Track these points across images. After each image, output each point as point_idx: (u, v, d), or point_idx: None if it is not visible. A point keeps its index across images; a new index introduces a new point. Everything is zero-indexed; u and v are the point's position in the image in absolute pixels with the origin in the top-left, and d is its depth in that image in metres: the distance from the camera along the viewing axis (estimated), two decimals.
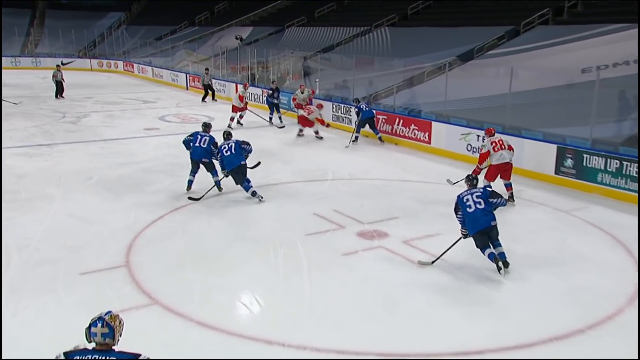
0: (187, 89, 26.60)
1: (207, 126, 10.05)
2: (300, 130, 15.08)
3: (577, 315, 5.83)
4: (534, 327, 5.59)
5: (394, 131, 14.54)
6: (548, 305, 6.07)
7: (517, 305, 6.11)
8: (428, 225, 8.40)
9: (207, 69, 23.25)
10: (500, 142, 9.49)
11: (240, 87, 18.75)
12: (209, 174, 9.67)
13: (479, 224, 6.63)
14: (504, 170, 9.48)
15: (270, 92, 17.61)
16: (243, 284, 6.60)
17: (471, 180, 7.09)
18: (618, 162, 9.83)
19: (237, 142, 9.39)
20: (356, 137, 14.32)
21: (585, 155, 10.32)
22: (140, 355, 3.17)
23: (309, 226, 8.38)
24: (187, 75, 26.96)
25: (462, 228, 6.87)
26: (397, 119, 14.68)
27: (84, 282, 6.53)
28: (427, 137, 13.62)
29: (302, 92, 16.63)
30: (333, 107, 17.21)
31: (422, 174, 11.54)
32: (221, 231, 8.19)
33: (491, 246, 6.65)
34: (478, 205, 6.64)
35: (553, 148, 10.89)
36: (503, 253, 6.67)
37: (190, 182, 9.75)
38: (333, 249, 7.54)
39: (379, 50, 21.89)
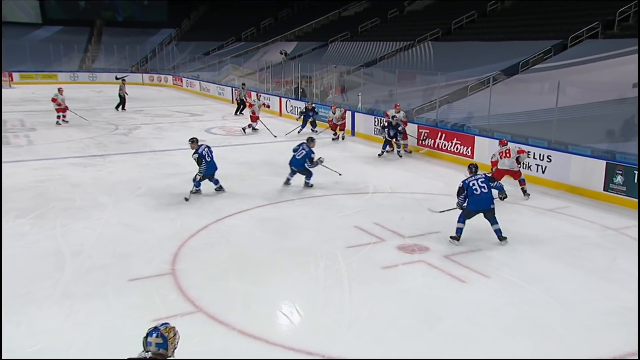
0: (232, 102, 26.98)
1: (311, 140, 11.25)
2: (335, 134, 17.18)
3: (626, 337, 5.64)
4: (579, 347, 5.47)
5: (436, 145, 14.43)
6: (596, 326, 5.89)
7: (562, 325, 5.94)
8: (469, 240, 8.28)
9: (243, 84, 24.10)
10: (507, 152, 10.66)
11: (253, 95, 20.14)
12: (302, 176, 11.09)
13: (482, 205, 8.05)
14: (509, 174, 10.69)
15: (305, 110, 18.33)
16: (284, 294, 6.63)
17: (471, 168, 8.32)
18: None
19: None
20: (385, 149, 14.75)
21: (636, 172, 10.03)
22: None
23: (349, 238, 8.37)
24: (233, 89, 27.40)
25: (461, 203, 8.13)
26: (440, 133, 14.56)
27: (132, 288, 6.68)
28: (469, 151, 13.46)
29: (335, 113, 17.03)
30: (375, 121, 17.09)
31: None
32: (263, 242, 8.25)
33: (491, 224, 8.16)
34: (483, 190, 7.98)
35: (602, 164, 10.64)
36: (499, 229, 8.11)
37: (288, 180, 11.17)
38: (373, 262, 7.51)
39: (422, 65, 21.78)
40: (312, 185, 11.06)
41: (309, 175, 11.06)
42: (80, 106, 24.46)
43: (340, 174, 11.66)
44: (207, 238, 8.41)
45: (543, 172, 11.80)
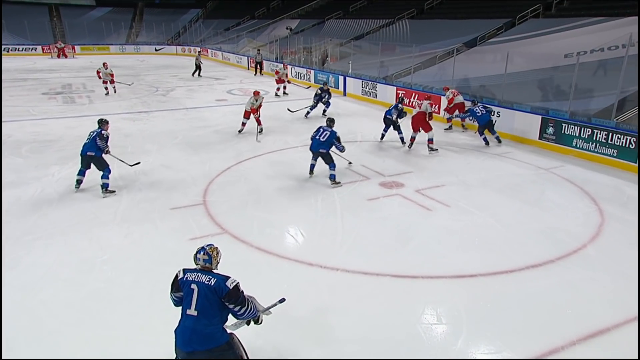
0: (248, 69, 26.44)
1: (331, 121, 8.26)
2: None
3: (550, 249, 5.76)
4: (516, 258, 5.56)
5: (410, 103, 14.22)
6: (527, 242, 5.99)
7: (503, 241, 6.04)
8: (435, 178, 8.30)
9: (258, 50, 23.53)
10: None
11: (280, 66, 18.98)
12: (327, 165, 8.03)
13: (485, 120, 10.35)
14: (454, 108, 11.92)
15: (320, 92, 13.67)
16: (290, 220, 6.68)
17: (473, 101, 10.62)
18: (590, 130, 9.51)
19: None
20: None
21: (563, 124, 9.99)
22: (229, 277, 3.24)
23: (341, 178, 8.37)
24: (249, 58, 26.76)
25: (467, 118, 11.23)
26: (414, 93, 14.34)
27: (174, 215, 6.74)
28: (437, 108, 13.28)
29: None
30: (362, 84, 16.89)
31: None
32: (274, 181, 8.25)
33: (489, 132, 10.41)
34: (483, 111, 10.32)
35: (538, 118, 10.55)
36: (498, 136, 10.43)
37: (312, 166, 8.31)
38: (360, 196, 7.54)
39: (401, 38, 21.20)
40: (339, 183, 7.91)
41: (332, 163, 7.93)
42: (127, 72, 24.14)
43: (350, 162, 9.03)
44: (230, 177, 8.41)
45: (494, 124, 11.70)
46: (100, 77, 17.12)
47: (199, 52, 25.56)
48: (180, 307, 3.22)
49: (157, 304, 4.35)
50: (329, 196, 7.49)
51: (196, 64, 23.18)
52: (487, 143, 10.50)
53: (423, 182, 8.11)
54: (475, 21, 19.28)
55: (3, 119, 12.24)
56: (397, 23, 23.26)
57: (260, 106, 11.41)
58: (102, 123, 7.51)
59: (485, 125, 10.52)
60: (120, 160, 8.14)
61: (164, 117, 13.49)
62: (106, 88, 17.12)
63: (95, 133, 7.35)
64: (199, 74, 22.96)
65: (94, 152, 7.28)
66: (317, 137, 8.01)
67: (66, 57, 32.60)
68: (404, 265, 5.39)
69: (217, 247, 3.40)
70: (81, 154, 7.36)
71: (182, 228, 6.27)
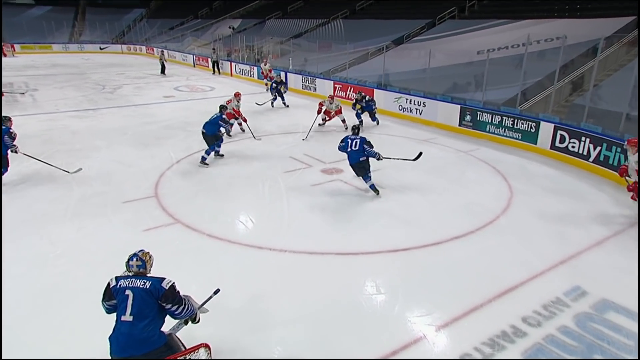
0: (194, 66, 25.50)
1: (357, 129, 7.24)
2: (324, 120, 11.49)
3: (470, 221, 6.05)
4: (441, 231, 5.79)
5: (347, 96, 14.35)
6: (451, 216, 6.26)
7: (430, 216, 6.27)
8: (373, 163, 8.44)
9: (214, 49, 22.82)
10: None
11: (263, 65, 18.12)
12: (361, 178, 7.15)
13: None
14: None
15: (275, 85, 13.85)
16: (240, 208, 6.58)
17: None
18: (499, 117, 10.01)
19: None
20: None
21: (478, 112, 10.46)
22: (165, 278, 3.05)
23: (286, 165, 8.35)
24: (194, 56, 25.78)
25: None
26: (349, 87, 14.46)
27: (126, 208, 6.44)
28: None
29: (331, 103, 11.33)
30: (302, 79, 16.81)
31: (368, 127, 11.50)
32: (223, 171, 8.08)
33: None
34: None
35: (457, 108, 10.95)
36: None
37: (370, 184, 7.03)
38: (304, 182, 7.54)
39: (336, 37, 21.26)
40: (378, 193, 6.85)
41: (367, 175, 6.85)
42: (72, 70, 22.51)
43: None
44: (180, 170, 8.13)
45: (420, 113, 12.03)
46: None
47: (162, 51, 23.95)
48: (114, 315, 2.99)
49: None
50: (275, 183, 7.44)
51: (161, 63, 21.84)
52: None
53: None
54: (401, 21, 19.67)
55: None
56: (332, 23, 23.29)
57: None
58: (6, 121, 6.94)
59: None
60: (57, 167, 7.61)
61: (112, 114, 12.75)
62: None
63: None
64: (163, 72, 21.63)
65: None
66: (350, 148, 6.79)
67: (5, 55, 29.85)
68: (345, 244, 5.47)
69: (149, 252, 3.21)
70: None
71: (136, 220, 6.00)
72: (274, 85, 13.93)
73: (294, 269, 4.96)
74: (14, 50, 31.00)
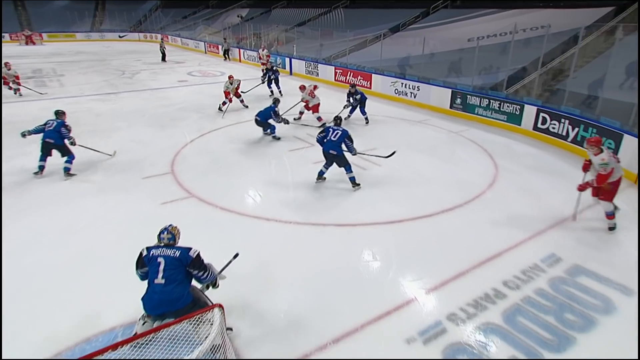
0: (205, 53, 25.09)
1: (339, 119, 6.60)
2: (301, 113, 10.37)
3: (459, 196, 6.03)
4: (433, 204, 5.78)
5: (347, 80, 14.12)
6: (442, 191, 6.23)
7: (423, 192, 6.24)
8: (370, 143, 8.36)
9: (225, 38, 22.36)
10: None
11: (262, 52, 17.66)
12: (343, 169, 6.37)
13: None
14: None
15: (266, 70, 13.18)
16: (248, 183, 6.56)
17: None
18: (487, 100, 9.86)
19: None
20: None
21: (468, 96, 10.29)
22: (191, 248, 3.19)
23: (291, 144, 8.28)
24: (205, 43, 25.35)
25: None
26: (349, 72, 14.23)
27: (145, 183, 6.44)
28: (369, 84, 13.30)
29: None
30: (306, 64, 16.52)
31: (367, 108, 11.29)
32: (233, 150, 8.03)
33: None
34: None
35: (449, 91, 10.79)
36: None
37: (321, 172, 6.48)
38: (306, 159, 7.49)
39: (337, 25, 20.81)
40: (359, 185, 6.27)
41: (348, 165, 6.22)
42: (94, 57, 22.21)
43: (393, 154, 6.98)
44: (194, 148, 8.09)
45: (414, 97, 11.85)
46: (4, 79, 12.49)
47: (162, 38, 23.67)
48: (147, 280, 3.13)
49: None
50: (281, 161, 7.40)
51: (161, 51, 21.52)
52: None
53: (359, 147, 7.94)
54: (398, 10, 19.20)
55: None
56: (333, 11, 22.76)
57: (237, 87, 10.95)
58: (60, 114, 6.65)
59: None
60: (97, 151, 7.43)
61: (131, 98, 12.61)
62: (10, 88, 12.51)
63: (56, 123, 6.50)
64: (163, 59, 21.31)
65: (55, 140, 6.44)
66: (329, 137, 6.12)
67: (34, 44, 29.45)
68: (345, 216, 5.47)
69: (177, 227, 3.37)
70: (43, 141, 6.45)
71: (154, 194, 6.00)
72: (264, 70, 13.47)
73: (298, 239, 4.97)
74: (42, 39, 30.58)
